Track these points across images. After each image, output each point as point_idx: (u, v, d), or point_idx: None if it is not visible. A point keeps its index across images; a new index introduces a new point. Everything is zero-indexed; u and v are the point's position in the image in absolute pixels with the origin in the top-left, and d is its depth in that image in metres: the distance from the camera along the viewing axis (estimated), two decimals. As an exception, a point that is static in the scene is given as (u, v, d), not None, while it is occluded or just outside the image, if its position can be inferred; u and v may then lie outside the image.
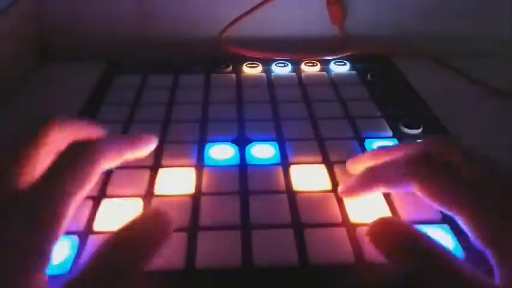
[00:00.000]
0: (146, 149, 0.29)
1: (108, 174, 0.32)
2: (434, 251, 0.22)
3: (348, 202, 0.29)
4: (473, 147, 0.26)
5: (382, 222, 0.25)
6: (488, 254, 0.22)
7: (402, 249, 0.23)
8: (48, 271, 0.21)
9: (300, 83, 0.46)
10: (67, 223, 0.22)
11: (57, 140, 0.24)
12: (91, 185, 0.24)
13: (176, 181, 0.31)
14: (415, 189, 0.26)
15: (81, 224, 0.28)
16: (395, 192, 0.30)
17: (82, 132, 0.26)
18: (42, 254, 0.20)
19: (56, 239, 0.21)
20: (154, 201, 0.30)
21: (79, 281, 0.20)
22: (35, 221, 0.21)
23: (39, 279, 0.20)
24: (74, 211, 0.23)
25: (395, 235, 0.24)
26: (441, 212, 0.28)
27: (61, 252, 0.26)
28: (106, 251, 0.21)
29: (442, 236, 0.27)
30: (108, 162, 0.26)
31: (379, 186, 0.27)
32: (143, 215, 0.24)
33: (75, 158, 0.24)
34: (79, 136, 0.26)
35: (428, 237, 0.23)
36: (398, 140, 0.36)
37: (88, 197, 0.30)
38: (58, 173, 0.23)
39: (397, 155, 0.28)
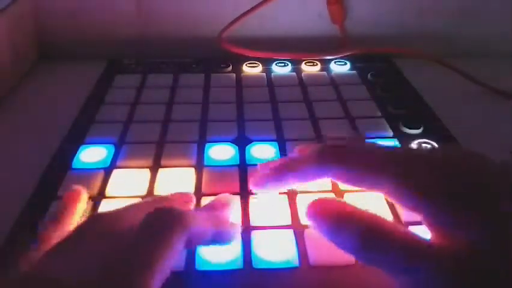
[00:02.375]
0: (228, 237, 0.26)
1: (108, 174, 0.32)
2: (372, 217, 0.22)
3: (348, 201, 0.29)
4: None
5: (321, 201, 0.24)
6: (420, 216, 0.22)
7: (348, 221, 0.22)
8: None
9: (300, 82, 0.46)
10: None
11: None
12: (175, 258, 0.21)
13: (176, 181, 0.31)
14: (332, 175, 0.25)
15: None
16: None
17: None
18: None
19: None
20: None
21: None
22: None
23: None
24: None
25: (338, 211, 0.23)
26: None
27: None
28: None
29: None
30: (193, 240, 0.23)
31: (294, 177, 0.26)
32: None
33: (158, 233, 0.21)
34: None
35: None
36: (398, 139, 0.36)
37: (88, 197, 0.30)
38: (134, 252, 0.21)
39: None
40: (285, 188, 0.28)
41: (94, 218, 0.24)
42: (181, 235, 0.21)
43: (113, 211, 0.24)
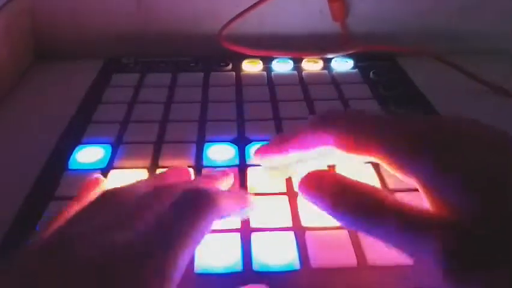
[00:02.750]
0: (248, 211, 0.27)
1: (105, 174, 0.32)
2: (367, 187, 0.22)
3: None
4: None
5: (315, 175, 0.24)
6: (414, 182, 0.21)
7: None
8: None
9: (301, 81, 0.45)
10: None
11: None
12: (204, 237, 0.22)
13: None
14: (332, 142, 0.24)
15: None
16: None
17: None
18: None
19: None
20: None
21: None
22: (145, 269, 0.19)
23: None
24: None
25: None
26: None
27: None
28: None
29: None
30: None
31: (293, 145, 0.25)
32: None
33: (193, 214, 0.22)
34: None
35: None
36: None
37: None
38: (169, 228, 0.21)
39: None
40: (286, 158, 0.26)
41: (113, 190, 0.24)
42: (213, 217, 0.22)
43: (129, 185, 0.25)
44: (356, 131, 0.23)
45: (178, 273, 0.19)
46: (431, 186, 0.20)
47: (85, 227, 0.21)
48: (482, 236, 0.17)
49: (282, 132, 0.27)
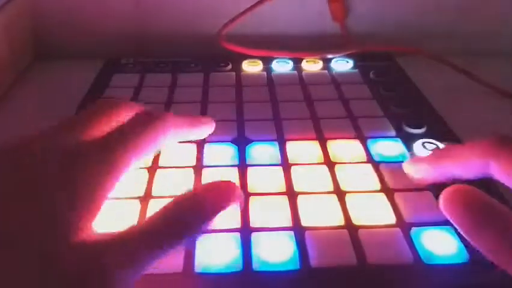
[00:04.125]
0: (205, 131, 0.31)
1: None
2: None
3: (349, 203, 0.29)
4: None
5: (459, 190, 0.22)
6: None
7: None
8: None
9: (301, 81, 0.45)
10: (120, 178, 0.23)
11: (126, 112, 0.25)
12: (154, 151, 0.25)
13: (175, 182, 0.31)
14: (493, 170, 0.23)
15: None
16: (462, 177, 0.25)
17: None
18: (94, 199, 0.21)
19: (110, 190, 0.22)
20: (151, 203, 0.29)
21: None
22: (94, 166, 0.21)
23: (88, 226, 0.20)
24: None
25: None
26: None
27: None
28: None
29: (446, 239, 0.26)
30: (173, 135, 0.27)
31: (448, 164, 0.25)
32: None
33: (143, 123, 0.25)
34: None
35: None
36: (401, 139, 0.36)
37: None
38: (124, 132, 0.24)
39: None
40: (442, 178, 0.26)
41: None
42: (162, 130, 0.25)
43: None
44: None
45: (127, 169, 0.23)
46: None
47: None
48: None
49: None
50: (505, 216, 0.20)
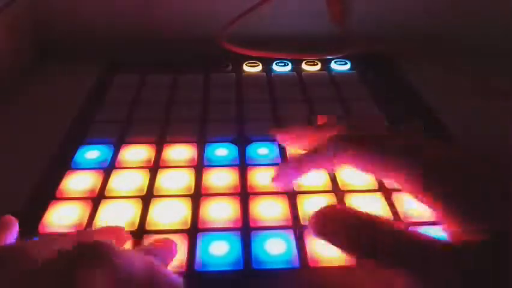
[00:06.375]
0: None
1: (107, 174, 0.32)
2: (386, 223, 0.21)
3: (348, 202, 0.29)
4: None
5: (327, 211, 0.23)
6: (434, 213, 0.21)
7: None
8: None
9: (301, 82, 0.46)
10: None
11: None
12: None
13: (176, 181, 0.31)
14: (349, 161, 0.24)
15: (82, 223, 0.28)
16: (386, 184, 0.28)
17: None
18: None
19: None
20: (153, 202, 0.30)
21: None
22: None
23: None
24: None
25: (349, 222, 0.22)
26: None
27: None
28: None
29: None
30: None
31: (312, 165, 0.26)
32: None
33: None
34: None
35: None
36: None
37: (88, 198, 0.30)
38: None
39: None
40: (303, 176, 0.27)
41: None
42: (104, 278, 0.17)
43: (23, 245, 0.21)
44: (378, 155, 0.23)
45: None
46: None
47: None
48: None
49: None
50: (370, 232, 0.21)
